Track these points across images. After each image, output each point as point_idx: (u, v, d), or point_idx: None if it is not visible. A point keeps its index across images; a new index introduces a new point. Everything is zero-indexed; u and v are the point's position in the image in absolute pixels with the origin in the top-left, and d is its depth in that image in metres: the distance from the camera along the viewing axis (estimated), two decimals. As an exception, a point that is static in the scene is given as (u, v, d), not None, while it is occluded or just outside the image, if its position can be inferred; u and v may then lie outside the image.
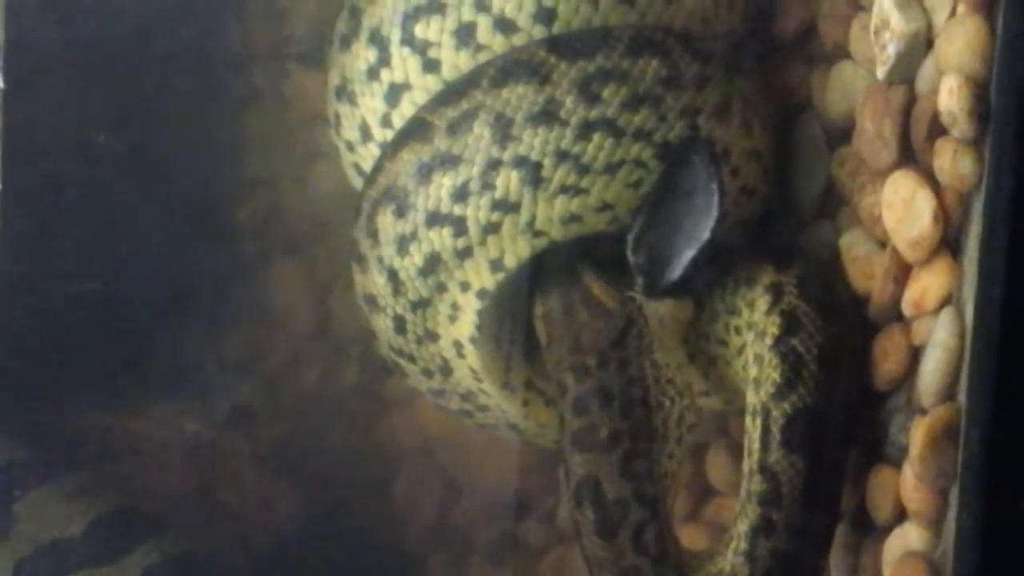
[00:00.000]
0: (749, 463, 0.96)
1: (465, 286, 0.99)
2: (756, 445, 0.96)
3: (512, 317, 1.03)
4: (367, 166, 1.04)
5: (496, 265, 0.98)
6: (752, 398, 0.97)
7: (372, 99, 1.02)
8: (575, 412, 0.97)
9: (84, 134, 1.28)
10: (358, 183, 1.07)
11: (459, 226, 0.97)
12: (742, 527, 0.95)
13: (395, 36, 1.00)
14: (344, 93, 1.04)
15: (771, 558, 0.94)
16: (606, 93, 0.95)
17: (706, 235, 0.97)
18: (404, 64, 1.01)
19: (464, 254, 0.97)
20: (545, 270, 1.00)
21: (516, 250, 0.97)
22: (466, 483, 1.28)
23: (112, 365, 1.28)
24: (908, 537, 0.96)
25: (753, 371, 0.97)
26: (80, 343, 1.27)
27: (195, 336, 1.32)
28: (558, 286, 1.00)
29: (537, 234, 0.97)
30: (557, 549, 1.24)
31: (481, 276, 0.98)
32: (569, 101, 0.95)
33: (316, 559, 1.26)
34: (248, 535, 1.26)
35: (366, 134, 1.04)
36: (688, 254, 0.98)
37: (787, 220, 1.04)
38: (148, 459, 1.26)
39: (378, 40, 1.01)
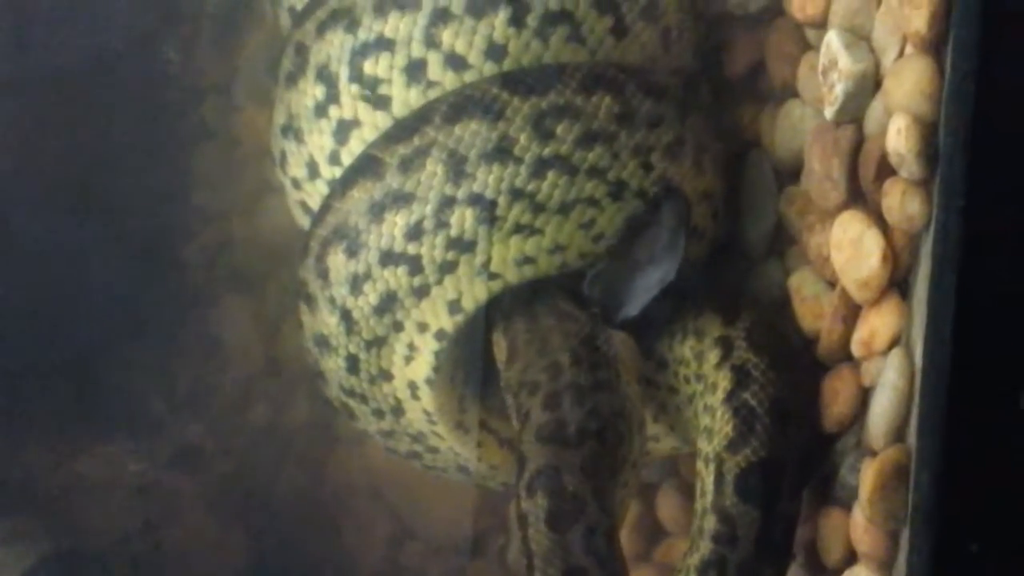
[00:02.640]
0: (702, 503, 0.94)
1: (423, 327, 0.96)
2: (710, 488, 0.93)
3: (468, 358, 1.00)
4: (314, 204, 1.02)
5: (454, 307, 0.95)
6: (704, 446, 0.95)
7: (320, 136, 0.99)
8: (545, 406, 0.92)
9: (33, 167, 1.25)
10: (305, 221, 1.04)
11: (414, 264, 0.94)
12: (692, 561, 0.93)
13: (343, 73, 0.98)
14: (291, 130, 1.01)
15: None
16: (560, 130, 0.93)
17: (670, 277, 0.96)
18: (353, 101, 0.98)
19: (421, 292, 0.95)
20: (502, 298, 0.97)
21: (473, 292, 0.95)
22: (416, 522, 1.25)
23: (57, 403, 1.24)
24: (858, 579, 0.94)
25: (705, 420, 0.95)
26: (25, 380, 1.23)
27: (143, 372, 1.28)
28: (518, 303, 0.97)
29: (493, 276, 0.95)
30: (507, 588, 1.21)
31: (439, 317, 0.96)
32: (523, 138, 0.93)
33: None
34: (194, 575, 1.22)
35: (313, 171, 1.01)
36: (649, 293, 0.96)
37: (736, 259, 1.02)
38: (92, 500, 1.22)
39: (326, 77, 0.98)
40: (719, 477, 0.92)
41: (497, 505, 1.20)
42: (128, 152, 1.27)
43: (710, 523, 0.92)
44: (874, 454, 0.92)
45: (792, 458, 0.94)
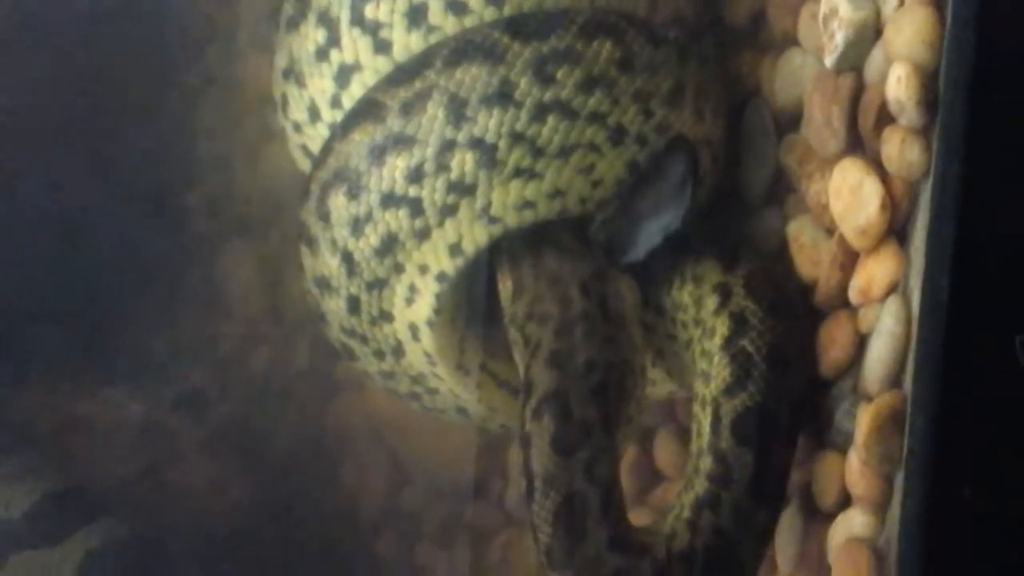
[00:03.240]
0: (699, 444, 0.93)
1: (424, 269, 0.96)
2: (707, 430, 0.93)
3: (468, 301, 0.99)
4: (315, 148, 1.01)
5: (455, 250, 0.95)
6: (701, 389, 0.94)
7: (321, 80, 0.98)
8: (556, 335, 0.92)
9: (37, 120, 1.24)
10: (305, 165, 1.03)
11: (415, 207, 0.94)
12: (687, 498, 0.93)
13: (345, 16, 0.96)
14: (292, 74, 1.00)
15: (712, 534, 0.91)
16: (560, 75, 0.92)
17: (676, 225, 0.95)
18: (355, 45, 0.97)
19: (422, 235, 0.94)
20: (507, 239, 0.96)
21: (474, 235, 0.94)
22: (415, 466, 1.25)
23: (62, 348, 1.24)
24: (852, 522, 0.93)
25: (702, 365, 0.95)
26: (28, 326, 1.23)
27: (146, 319, 1.28)
28: (523, 243, 0.96)
29: (493, 220, 0.94)
30: (506, 532, 1.21)
31: (440, 259, 0.95)
32: (523, 82, 0.92)
33: (265, 541, 1.22)
34: (196, 517, 1.22)
35: (315, 115, 1.00)
36: (654, 240, 0.96)
37: (736, 207, 1.02)
38: (96, 441, 1.22)
39: (327, 21, 0.97)
40: (716, 420, 0.92)
41: (496, 450, 1.20)
42: (131, 102, 1.27)
43: (706, 463, 0.92)
44: (870, 399, 0.92)
45: (788, 404, 0.93)
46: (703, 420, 0.93)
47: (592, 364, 0.91)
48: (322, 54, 0.98)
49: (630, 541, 0.90)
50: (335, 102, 0.98)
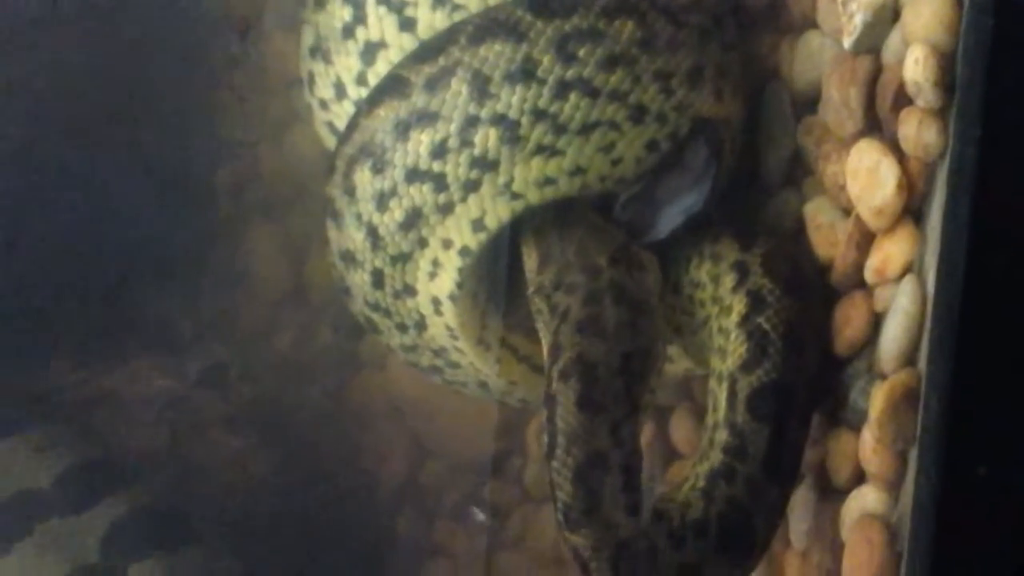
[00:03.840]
0: (715, 417, 0.94)
1: (447, 243, 0.96)
2: (723, 404, 0.93)
3: (490, 276, 1.00)
4: (341, 124, 1.01)
5: (478, 225, 0.95)
6: (718, 365, 0.95)
7: (347, 57, 0.99)
8: (585, 303, 0.92)
9: (64, 100, 1.25)
10: (331, 142, 1.04)
11: (439, 182, 0.94)
12: (702, 469, 0.93)
13: (371, -6, 0.98)
14: (319, 52, 1.01)
15: (726, 505, 0.91)
16: (582, 53, 0.92)
17: (698, 207, 0.96)
18: (380, 23, 0.97)
19: (446, 209, 0.95)
20: (533, 213, 0.97)
21: (496, 211, 0.95)
22: (435, 443, 1.26)
23: (89, 324, 1.25)
24: (866, 499, 0.93)
25: (719, 341, 0.95)
26: (58, 302, 1.23)
27: (172, 297, 1.29)
28: (549, 217, 0.97)
29: (515, 196, 0.94)
30: (523, 508, 1.22)
31: (463, 234, 0.95)
32: (546, 60, 0.92)
33: (286, 515, 1.23)
34: (218, 490, 1.23)
35: (341, 92, 1.01)
36: (677, 220, 0.97)
37: (754, 188, 1.02)
38: (121, 414, 1.23)
39: None
40: (732, 395, 0.92)
41: (515, 427, 1.20)
42: (157, 83, 1.27)
43: (722, 436, 0.93)
44: (884, 378, 0.92)
45: (803, 382, 0.94)
46: (719, 394, 0.93)
47: (621, 331, 0.91)
48: (348, 32, 0.98)
49: (648, 506, 0.90)
50: (361, 79, 0.99)
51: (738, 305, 0.94)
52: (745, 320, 0.93)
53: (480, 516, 1.17)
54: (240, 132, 1.29)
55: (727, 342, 0.94)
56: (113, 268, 1.26)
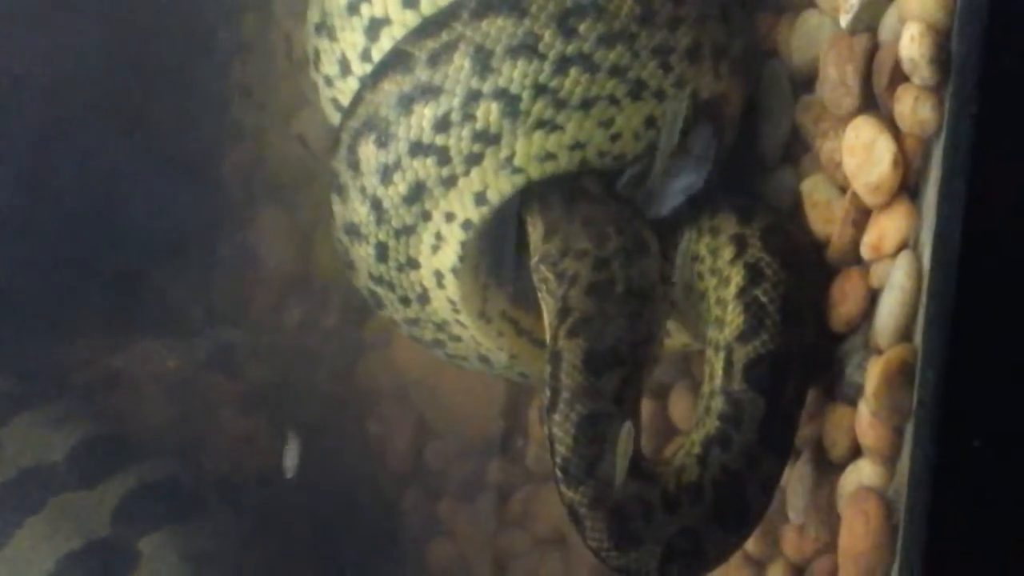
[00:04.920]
0: (710, 386, 0.93)
1: (450, 216, 0.96)
2: (719, 373, 0.93)
3: (492, 250, 1.00)
4: (346, 100, 1.01)
5: (480, 198, 0.95)
6: (715, 335, 0.94)
7: (352, 34, 0.99)
8: (595, 268, 0.92)
9: (74, 86, 1.25)
10: (336, 118, 1.04)
11: (442, 155, 0.94)
12: (697, 436, 0.93)
13: (374, -29, 0.98)
14: (324, 28, 1.01)
15: (721, 473, 0.91)
16: (583, 28, 0.92)
17: (699, 186, 0.96)
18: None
19: (449, 183, 0.95)
20: (537, 186, 0.97)
21: (498, 185, 0.95)
22: (440, 424, 1.26)
23: (99, 305, 1.25)
24: (862, 473, 0.93)
25: (716, 312, 0.95)
26: (69, 284, 1.24)
27: (182, 280, 1.29)
28: (553, 190, 0.97)
29: (516, 170, 0.95)
30: (525, 488, 1.22)
31: (466, 208, 0.95)
32: (547, 35, 0.92)
33: (293, 493, 1.23)
34: (227, 467, 1.23)
35: (345, 68, 1.01)
36: (678, 199, 0.97)
37: (751, 166, 1.02)
38: (131, 392, 1.23)
39: None
40: (728, 364, 0.92)
41: (518, 408, 1.20)
42: (167, 69, 1.28)
43: (718, 403, 0.92)
44: (880, 352, 0.91)
45: (798, 355, 0.93)
46: (716, 364, 0.93)
47: (629, 295, 0.91)
48: (353, 8, 0.98)
49: (643, 469, 0.90)
50: (365, 55, 0.99)
51: (736, 277, 0.94)
52: (743, 292, 0.93)
53: (293, 447, 1.15)
54: (248, 118, 1.29)
55: (724, 313, 0.94)
56: (125, 252, 1.26)
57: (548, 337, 0.92)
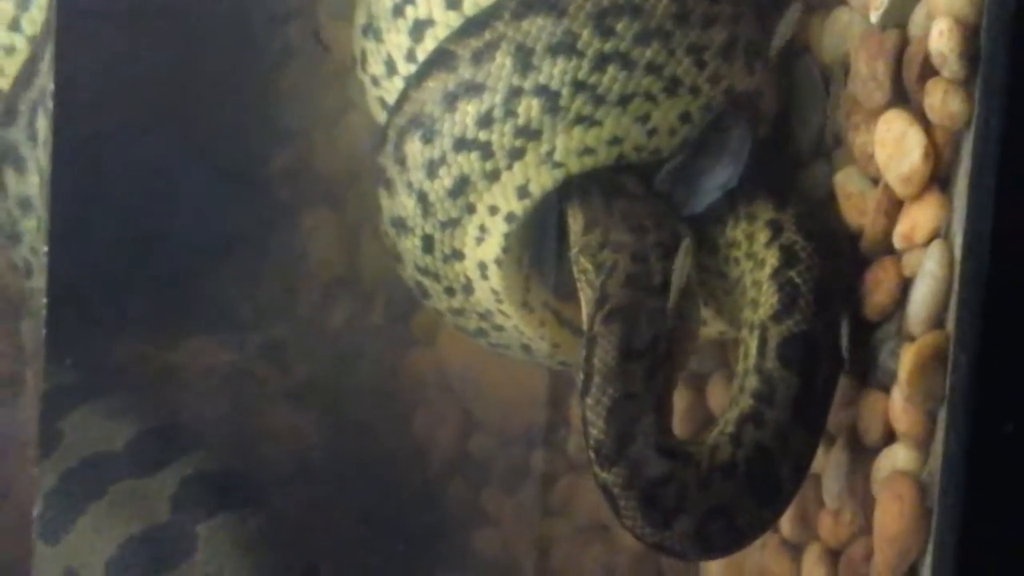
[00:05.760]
0: (745, 365, 0.95)
1: (493, 209, 0.99)
2: (753, 352, 0.95)
3: (534, 241, 1.02)
4: (391, 99, 1.04)
5: (522, 192, 0.98)
6: (750, 315, 0.96)
7: (397, 35, 1.02)
8: (633, 259, 0.94)
9: (127, 92, 1.28)
10: (382, 117, 1.06)
11: (486, 150, 0.97)
12: (731, 415, 0.94)
13: (420, -24, 1.01)
14: (370, 30, 1.04)
15: (755, 450, 0.92)
16: (620, 27, 0.95)
17: (733, 183, 0.98)
18: (428, 1, 1.00)
19: (492, 177, 0.97)
20: (577, 180, 0.99)
21: (540, 178, 0.97)
22: (483, 416, 1.28)
23: (156, 303, 1.28)
24: (896, 457, 0.94)
25: (752, 293, 0.97)
26: (127, 284, 1.27)
27: (232, 279, 1.32)
28: (593, 184, 0.99)
29: (556, 165, 0.97)
30: (567, 476, 1.24)
31: (509, 201, 0.98)
32: (586, 33, 0.95)
33: (341, 484, 1.25)
34: (278, 458, 1.26)
35: (391, 68, 1.04)
36: (714, 195, 0.99)
37: (785, 160, 1.03)
38: (186, 386, 1.26)
39: None
40: (762, 343, 0.94)
41: (560, 399, 1.22)
42: (217, 75, 1.30)
43: (752, 382, 0.94)
44: (913, 339, 0.93)
45: (830, 338, 0.95)
46: (750, 343, 0.95)
47: (664, 287, 0.93)
48: (398, 10, 1.01)
49: (676, 449, 0.92)
50: (410, 56, 1.02)
51: (771, 259, 0.96)
52: (777, 273, 0.95)
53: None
54: (295, 121, 1.32)
55: (759, 294, 0.95)
56: (178, 253, 1.29)
57: (585, 325, 0.94)
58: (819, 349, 0.94)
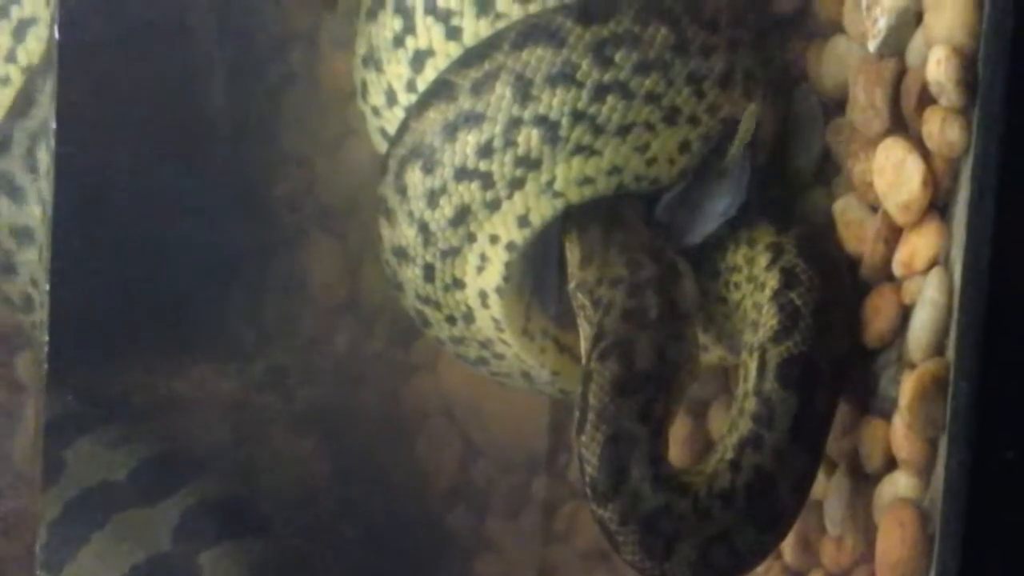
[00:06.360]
0: (744, 387, 0.95)
1: (494, 239, 0.99)
2: (753, 374, 0.95)
3: (534, 270, 1.03)
4: (392, 129, 1.04)
5: (523, 221, 0.98)
6: (750, 337, 0.96)
7: (398, 65, 1.02)
8: (629, 294, 0.95)
9: (130, 118, 1.28)
10: (383, 147, 1.07)
11: (486, 180, 0.97)
12: (731, 440, 0.94)
13: (419, 6, 1.01)
14: (371, 61, 1.04)
15: (754, 474, 0.92)
16: (619, 57, 0.95)
17: (732, 213, 0.98)
18: (428, 32, 1.01)
19: (493, 206, 0.98)
20: (575, 212, 1.00)
21: (540, 208, 0.98)
22: (484, 443, 1.28)
23: (158, 331, 1.28)
24: (898, 484, 0.94)
25: (752, 316, 0.97)
26: (129, 311, 1.27)
27: (235, 305, 1.32)
28: (590, 217, 0.99)
29: (556, 194, 0.97)
30: (569, 503, 1.24)
31: (509, 230, 0.98)
32: (585, 64, 0.95)
33: (343, 510, 1.25)
34: (280, 486, 1.26)
35: (392, 99, 1.04)
36: (713, 226, 0.99)
37: (784, 188, 1.04)
38: (188, 414, 1.26)
39: (403, 10, 1.01)
40: (762, 364, 0.94)
41: (560, 427, 1.22)
42: (218, 102, 1.31)
43: (751, 404, 0.94)
44: (913, 367, 0.93)
45: (830, 361, 0.95)
46: (750, 365, 0.95)
47: (662, 322, 0.94)
48: (398, 41, 1.02)
49: (672, 481, 0.92)
50: (410, 86, 1.02)
51: (771, 281, 0.96)
52: (777, 294, 0.95)
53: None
54: (297, 147, 1.32)
55: (759, 316, 0.96)
56: (181, 279, 1.29)
57: (583, 360, 0.94)
58: (819, 371, 0.94)
